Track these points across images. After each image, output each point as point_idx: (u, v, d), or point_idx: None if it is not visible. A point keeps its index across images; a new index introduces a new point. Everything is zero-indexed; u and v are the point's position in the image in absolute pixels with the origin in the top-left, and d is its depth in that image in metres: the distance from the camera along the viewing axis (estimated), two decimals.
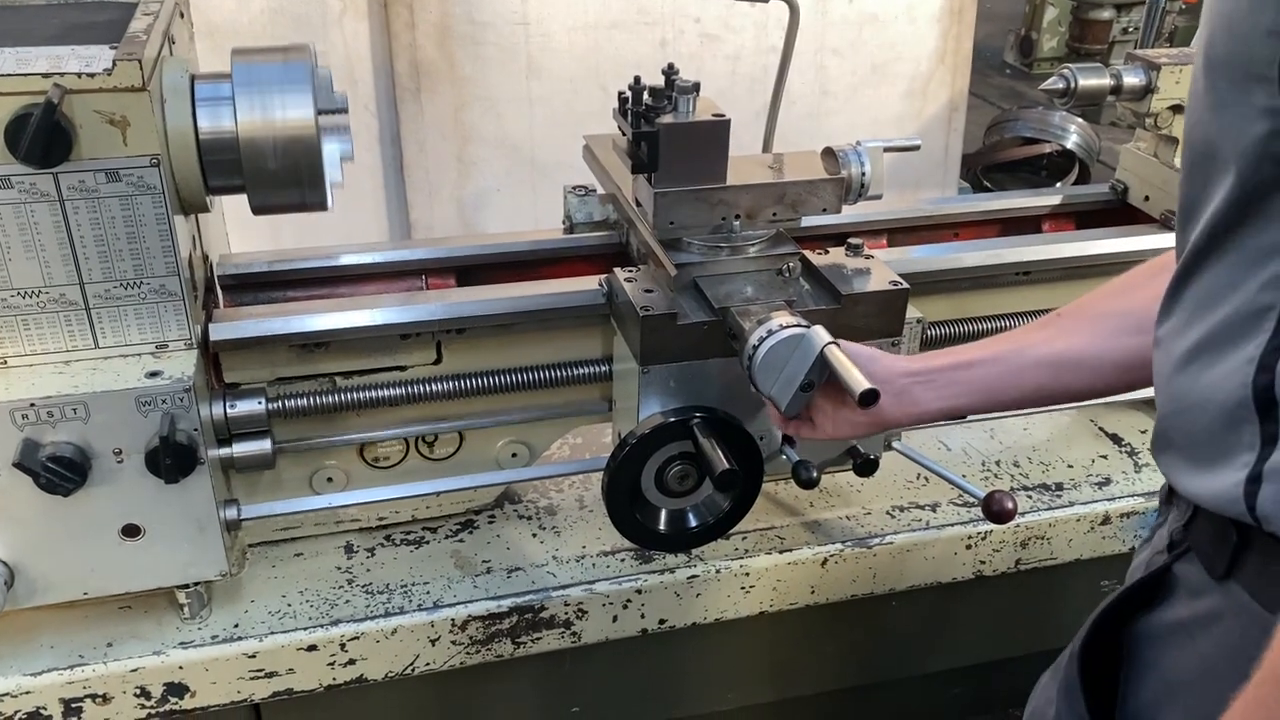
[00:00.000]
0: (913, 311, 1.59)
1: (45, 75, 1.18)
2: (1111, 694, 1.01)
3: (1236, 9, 0.83)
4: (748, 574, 1.65)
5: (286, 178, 1.33)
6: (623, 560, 1.64)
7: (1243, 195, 0.86)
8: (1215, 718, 0.76)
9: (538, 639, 1.60)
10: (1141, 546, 1.11)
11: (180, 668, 1.47)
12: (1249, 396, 0.85)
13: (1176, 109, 1.84)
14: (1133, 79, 1.85)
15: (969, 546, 1.75)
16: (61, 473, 1.28)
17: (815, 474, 1.48)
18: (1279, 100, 0.80)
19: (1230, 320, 0.88)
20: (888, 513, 1.76)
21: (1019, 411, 1.94)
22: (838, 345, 1.31)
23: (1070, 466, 1.89)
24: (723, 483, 1.40)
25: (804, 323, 1.37)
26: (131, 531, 1.38)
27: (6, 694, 1.42)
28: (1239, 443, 0.86)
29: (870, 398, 1.25)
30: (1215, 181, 0.89)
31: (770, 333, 1.35)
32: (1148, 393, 1.98)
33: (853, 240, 1.60)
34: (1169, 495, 1.05)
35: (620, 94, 1.48)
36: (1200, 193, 0.92)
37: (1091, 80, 1.87)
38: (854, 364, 1.28)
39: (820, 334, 1.33)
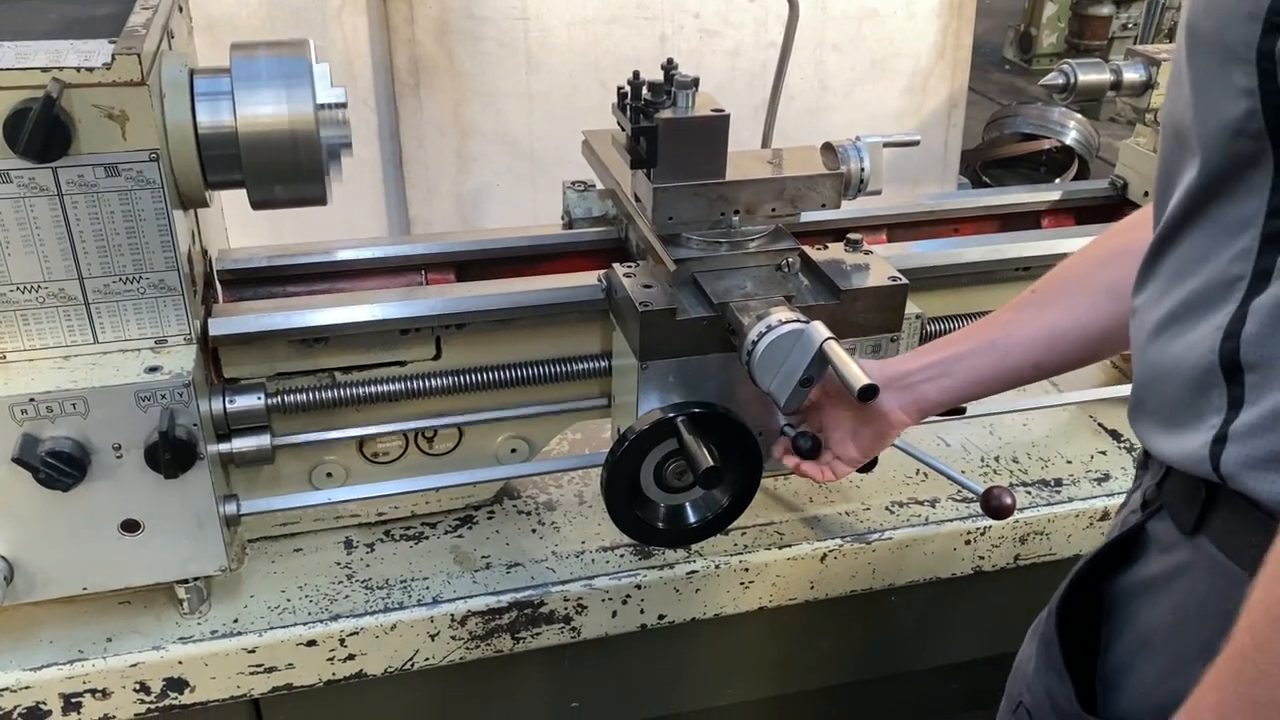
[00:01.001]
0: (912, 307, 1.59)
1: (44, 69, 1.17)
2: (1089, 650, 1.05)
3: None
4: (747, 569, 1.65)
5: (286, 173, 1.33)
6: (622, 556, 1.64)
7: (1218, 170, 0.89)
8: (1187, 663, 0.80)
9: (537, 634, 1.61)
10: (1118, 510, 1.15)
11: (180, 663, 1.47)
12: (1216, 362, 0.89)
13: None
14: (1132, 74, 1.85)
15: (968, 542, 1.75)
16: (61, 468, 1.28)
17: (814, 442, 1.48)
18: (1256, 82, 0.82)
19: (1202, 290, 0.91)
20: (887, 508, 1.76)
21: (1018, 407, 1.95)
22: (836, 341, 1.32)
23: (1069, 462, 1.89)
24: (707, 480, 1.40)
25: (803, 318, 1.37)
26: (131, 527, 1.38)
27: (6, 689, 1.42)
28: (1207, 406, 0.90)
29: (870, 392, 1.26)
30: (1191, 156, 0.92)
31: (769, 328, 1.35)
32: None
33: (852, 235, 1.60)
34: (1144, 459, 1.10)
35: (619, 89, 1.48)
36: (1176, 166, 0.95)
37: (1091, 76, 1.87)
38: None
39: (819, 329, 1.33)
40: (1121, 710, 1.01)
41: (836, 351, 1.30)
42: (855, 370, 1.27)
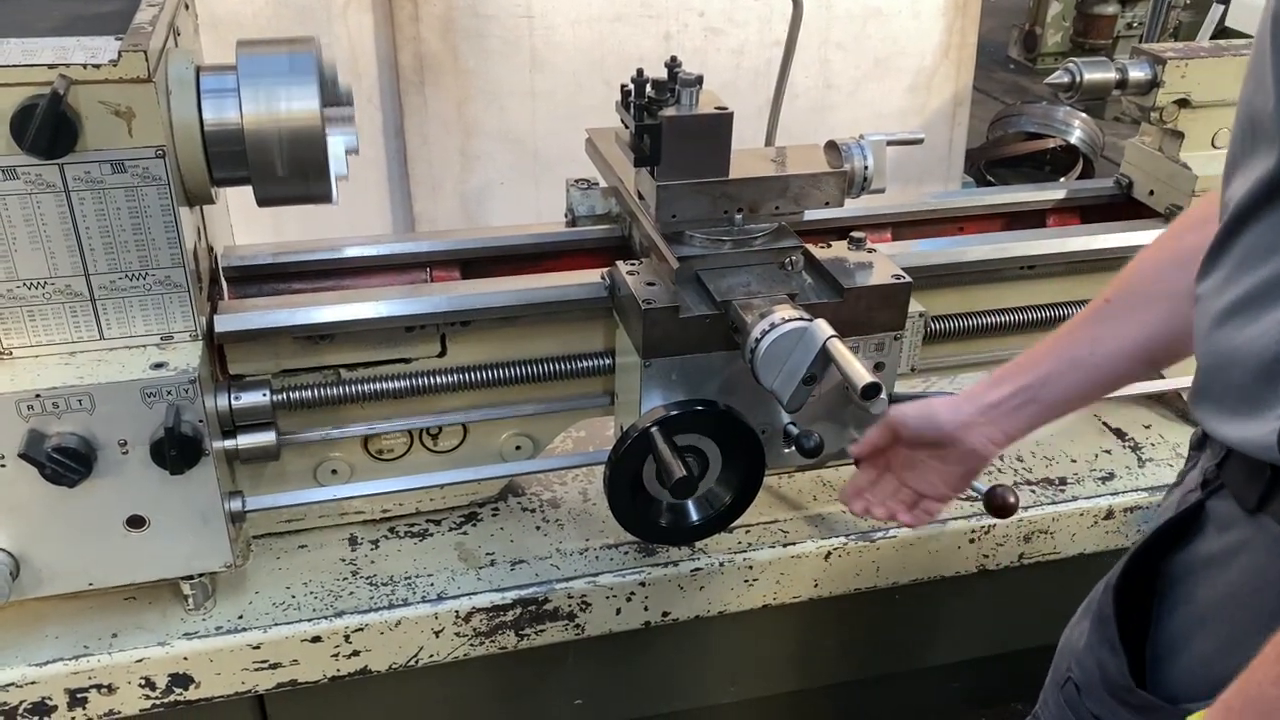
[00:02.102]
0: (915, 305, 1.59)
1: (51, 66, 1.18)
2: (1140, 625, 1.06)
3: None
4: (751, 567, 1.65)
5: (291, 170, 1.33)
6: (626, 553, 1.65)
7: None
8: (1246, 638, 0.80)
9: (541, 631, 1.61)
10: (1170, 491, 1.15)
11: (185, 658, 1.48)
12: None
13: (1182, 103, 1.84)
14: (1138, 73, 1.85)
15: (972, 540, 1.75)
16: (66, 463, 1.28)
17: (817, 442, 1.47)
18: None
19: (1270, 279, 0.91)
20: None
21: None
22: (839, 339, 1.31)
23: (1074, 461, 1.89)
24: (678, 490, 1.39)
25: (806, 316, 1.37)
26: (136, 523, 1.38)
27: (12, 684, 1.43)
28: (1274, 395, 0.91)
29: (872, 390, 1.25)
30: (1267, 146, 0.91)
31: (773, 326, 1.35)
32: (1151, 387, 1.99)
33: (855, 234, 1.60)
34: (1201, 440, 1.10)
35: (623, 87, 1.48)
36: (1249, 155, 0.95)
37: (1096, 74, 1.87)
38: (912, 404, 1.31)
39: (822, 327, 1.33)
40: (1172, 684, 1.03)
41: (839, 350, 1.30)
42: (858, 368, 1.27)
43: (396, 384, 1.55)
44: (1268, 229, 0.92)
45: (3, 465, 1.30)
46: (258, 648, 1.50)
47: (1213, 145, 1.87)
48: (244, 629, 1.50)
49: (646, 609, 1.64)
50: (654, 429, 1.42)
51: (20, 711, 1.45)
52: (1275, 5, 0.90)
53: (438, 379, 1.57)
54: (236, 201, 1.65)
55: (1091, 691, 1.08)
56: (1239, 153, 0.98)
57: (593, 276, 1.61)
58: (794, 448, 1.54)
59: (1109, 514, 1.80)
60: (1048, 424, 1.36)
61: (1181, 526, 1.05)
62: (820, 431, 1.51)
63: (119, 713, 1.49)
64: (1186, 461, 1.15)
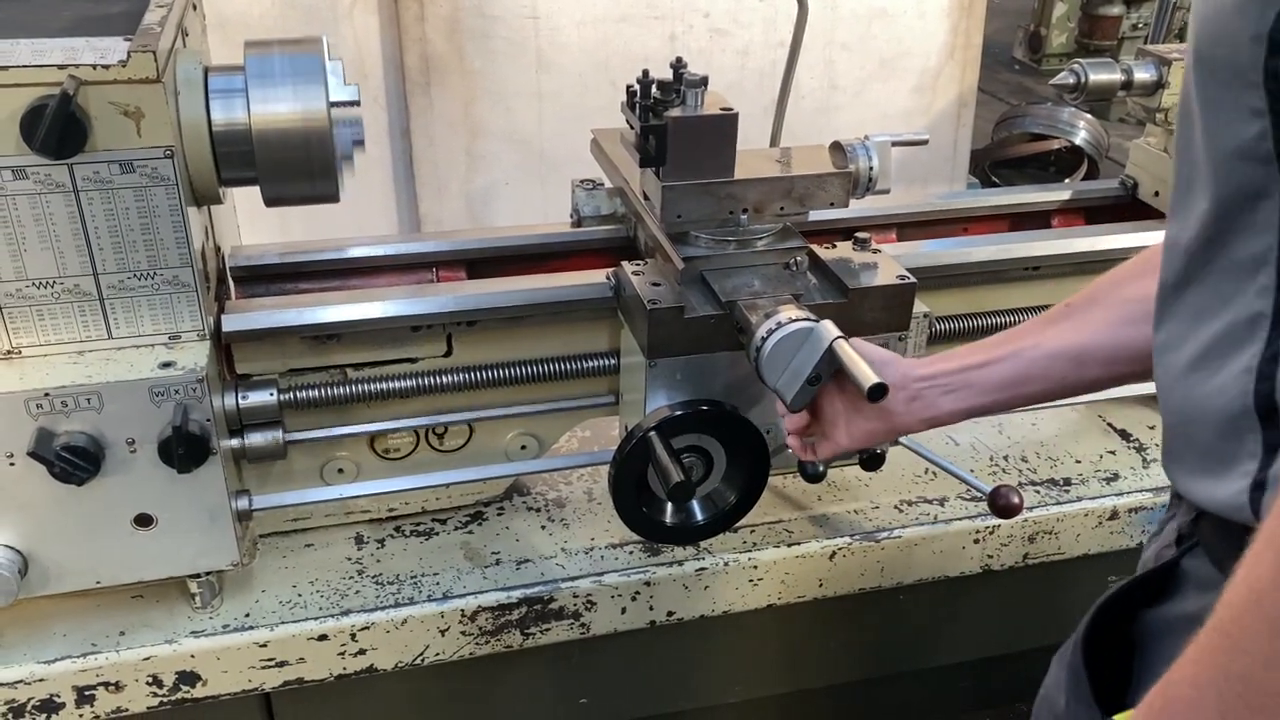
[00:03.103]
0: (920, 306, 1.59)
1: (60, 67, 1.19)
2: (1118, 680, 1.02)
3: (1221, 12, 0.84)
4: (755, 567, 1.66)
5: (299, 170, 1.34)
6: (631, 552, 1.65)
7: (1229, 200, 0.87)
8: None
9: (546, 630, 1.61)
10: (1151, 539, 1.11)
11: (192, 656, 1.48)
12: (1250, 406, 0.86)
13: None
14: (1143, 74, 1.85)
15: (977, 541, 1.75)
16: (75, 462, 1.29)
17: (821, 468, 1.48)
18: (1265, 103, 0.81)
19: (1227, 330, 0.88)
20: (895, 507, 1.76)
21: (1029, 407, 1.94)
22: (846, 340, 1.31)
23: (1078, 462, 1.89)
24: (676, 495, 1.40)
25: (811, 316, 1.37)
26: (144, 521, 1.39)
27: (20, 681, 1.43)
28: (1241, 451, 0.87)
29: (879, 392, 1.24)
30: (1202, 188, 0.90)
31: (778, 325, 1.36)
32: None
33: (860, 234, 1.61)
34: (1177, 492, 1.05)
35: (629, 88, 1.48)
36: (1189, 197, 0.93)
37: (1102, 75, 1.87)
38: (875, 348, 1.28)
39: (829, 328, 1.33)
40: None
41: (846, 350, 1.30)
42: (865, 369, 1.26)
43: (402, 383, 1.56)
44: (1217, 278, 0.90)
45: (12, 464, 1.30)
46: (264, 646, 1.51)
47: None
48: (251, 627, 1.51)
49: (651, 609, 1.64)
50: (652, 433, 1.43)
51: (29, 709, 1.45)
52: (1194, 44, 0.89)
53: (443, 378, 1.57)
54: (243, 201, 1.66)
55: None
56: (1178, 202, 0.96)
57: (598, 277, 1.61)
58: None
59: (1113, 515, 1.80)
60: (981, 416, 1.33)
61: (1158, 583, 1.02)
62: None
63: (126, 710, 1.50)
64: (1167, 509, 1.11)
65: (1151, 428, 1.98)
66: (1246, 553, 0.75)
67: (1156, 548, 1.08)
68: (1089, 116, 4.73)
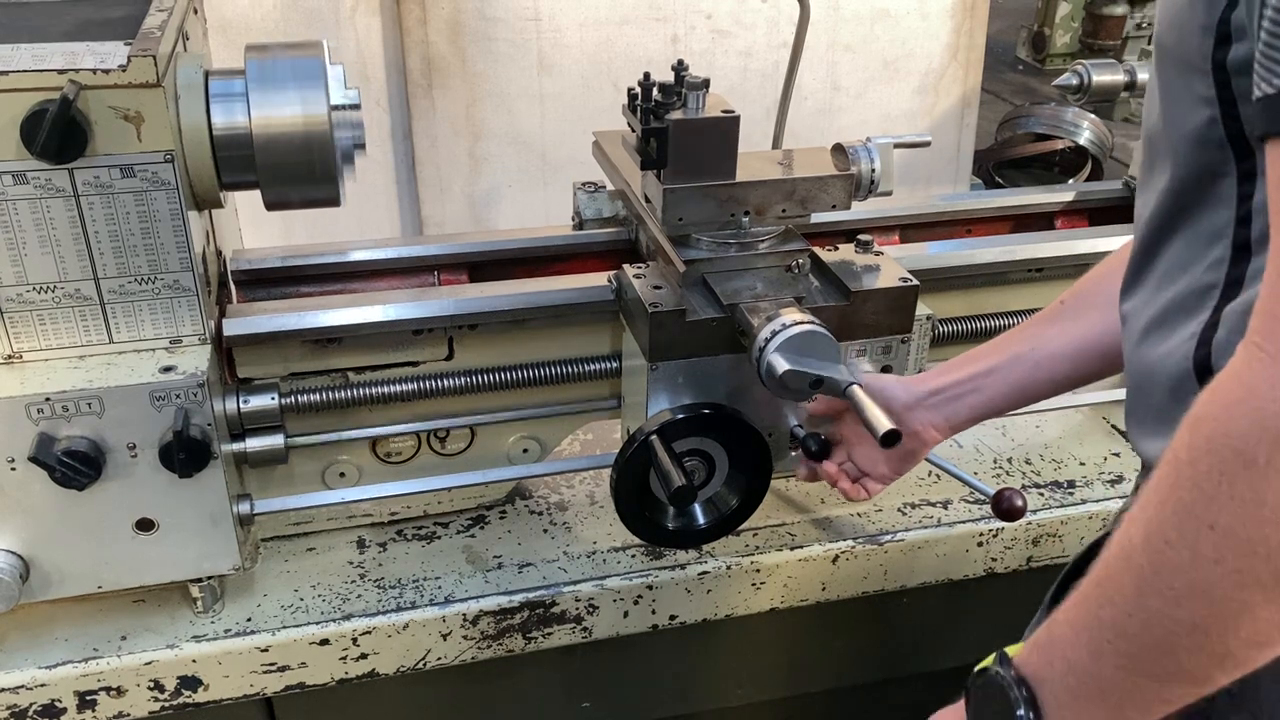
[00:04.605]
0: (923, 308, 1.58)
1: (61, 71, 1.18)
2: None
3: (1176, 2, 0.90)
4: (758, 570, 1.65)
5: (300, 174, 1.34)
6: (633, 556, 1.65)
7: (1188, 178, 0.93)
8: None
9: (549, 634, 1.61)
10: (1123, 508, 1.16)
11: (193, 661, 1.48)
12: (1190, 370, 0.92)
13: None
14: (1146, 75, 1.84)
15: (980, 544, 1.74)
16: (76, 467, 1.29)
17: (823, 444, 1.49)
18: (1214, 91, 0.86)
19: (1180, 298, 0.95)
20: (899, 510, 1.75)
21: (1033, 409, 1.94)
22: (860, 387, 1.35)
23: (1082, 464, 1.89)
24: (677, 498, 1.40)
25: (814, 319, 1.37)
26: (145, 525, 1.39)
27: (21, 686, 1.43)
28: (1184, 414, 0.92)
29: (892, 438, 1.29)
30: (1163, 165, 0.96)
31: (784, 326, 1.35)
32: None
33: (862, 237, 1.60)
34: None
35: (630, 90, 1.48)
36: (1152, 173, 0.99)
37: (1105, 76, 1.86)
38: (875, 402, 1.33)
39: (844, 374, 1.36)
40: None
41: (860, 398, 1.33)
42: (879, 415, 1.30)
43: (404, 387, 1.56)
44: (1179, 249, 0.96)
45: (13, 468, 1.30)
46: (266, 650, 1.51)
47: None
48: (252, 632, 1.51)
49: (654, 612, 1.64)
50: (654, 437, 1.42)
51: (30, 713, 1.45)
52: (1157, 30, 0.94)
53: (445, 382, 1.57)
54: (245, 205, 1.66)
55: None
56: (1145, 174, 1.02)
57: (599, 280, 1.61)
58: (800, 450, 1.54)
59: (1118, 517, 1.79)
60: (992, 418, 1.43)
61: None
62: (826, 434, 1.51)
63: (128, 715, 1.50)
64: (1138, 477, 1.17)
65: None
66: (1125, 515, 0.84)
67: (1124, 509, 1.13)
68: (1093, 116, 4.72)
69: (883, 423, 1.29)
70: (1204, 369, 0.91)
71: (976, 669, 1.03)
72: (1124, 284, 1.06)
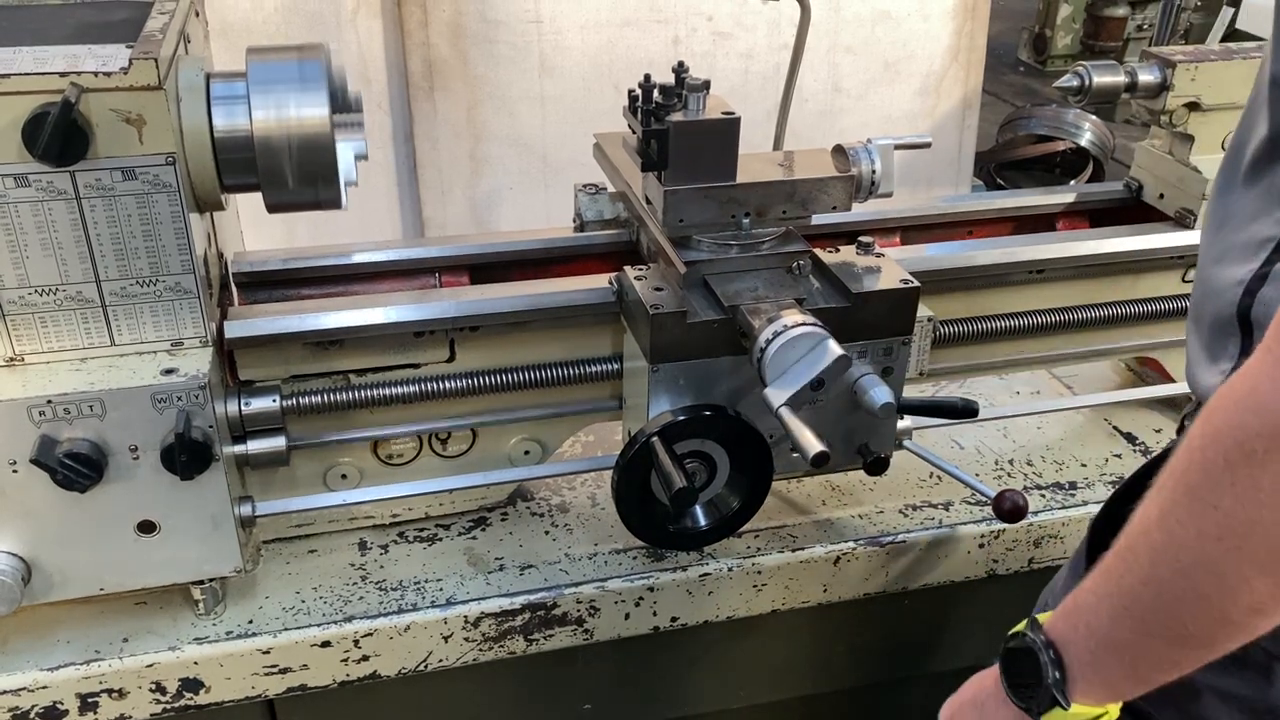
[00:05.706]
0: (924, 310, 1.58)
1: (62, 74, 1.19)
2: None
3: None
4: (760, 572, 1.65)
5: (301, 176, 1.34)
6: (635, 558, 1.65)
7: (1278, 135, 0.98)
8: None
9: (550, 636, 1.61)
10: (1176, 437, 1.24)
11: (195, 663, 1.48)
12: (1234, 314, 1.00)
13: (1192, 106, 1.83)
14: (1148, 76, 1.84)
15: (982, 545, 1.74)
16: (78, 469, 1.29)
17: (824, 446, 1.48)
18: None
19: (1244, 243, 1.01)
20: (900, 511, 1.75)
21: (1033, 409, 1.94)
22: (790, 409, 1.34)
23: (1084, 465, 1.89)
24: (677, 501, 1.39)
25: (816, 322, 1.37)
26: (147, 528, 1.39)
27: (23, 689, 1.43)
28: (1224, 351, 1.01)
29: (822, 459, 1.29)
30: (1262, 108, 1.01)
31: (785, 328, 1.35)
32: (1161, 391, 1.98)
33: (863, 238, 1.60)
34: None
35: (630, 92, 1.48)
36: (1254, 114, 1.04)
37: (1106, 78, 1.86)
38: None
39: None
40: None
41: (788, 419, 1.32)
42: (810, 437, 1.30)
43: (405, 389, 1.56)
44: (1254, 196, 1.02)
45: (15, 471, 1.30)
46: (268, 652, 1.51)
47: (1223, 148, 1.85)
48: (254, 634, 1.51)
49: (655, 614, 1.64)
50: (655, 439, 1.42)
51: (32, 716, 1.45)
52: None
53: (447, 384, 1.57)
54: (246, 207, 1.66)
55: None
56: (1247, 112, 1.07)
57: (600, 281, 1.61)
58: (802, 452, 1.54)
59: None
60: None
61: (1158, 466, 1.11)
62: (829, 437, 1.51)
63: (130, 717, 1.50)
64: (1190, 407, 1.24)
65: (1157, 431, 1.97)
66: (1148, 491, 0.91)
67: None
68: (1094, 118, 4.72)
69: (814, 444, 1.29)
70: (1245, 318, 0.98)
71: (1010, 633, 1.12)
72: (1209, 217, 1.11)
